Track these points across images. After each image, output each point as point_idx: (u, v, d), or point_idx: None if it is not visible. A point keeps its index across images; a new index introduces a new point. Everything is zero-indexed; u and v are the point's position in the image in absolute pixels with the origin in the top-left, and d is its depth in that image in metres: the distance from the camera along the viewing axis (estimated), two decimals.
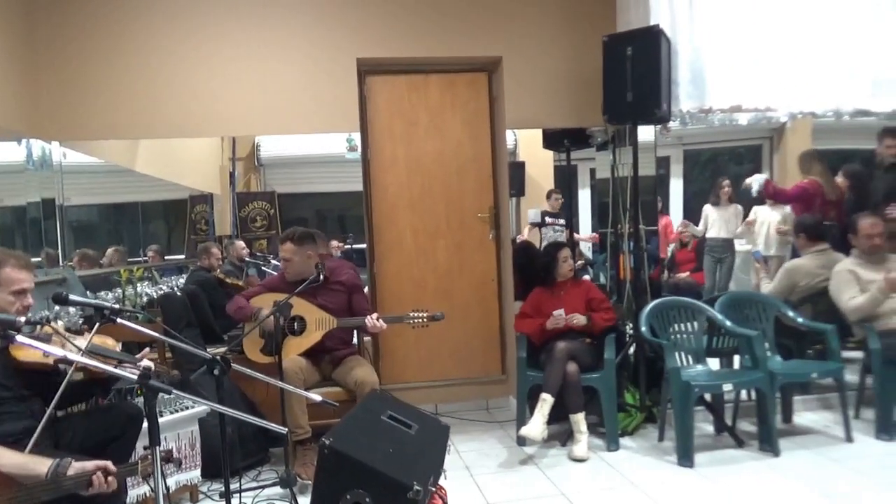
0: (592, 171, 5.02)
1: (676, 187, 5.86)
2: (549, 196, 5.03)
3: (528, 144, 4.88)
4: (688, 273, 5.68)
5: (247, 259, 4.48)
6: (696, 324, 3.90)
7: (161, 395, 1.93)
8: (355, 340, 3.87)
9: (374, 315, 3.52)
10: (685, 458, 3.40)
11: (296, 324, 3.55)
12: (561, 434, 3.78)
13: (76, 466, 2.01)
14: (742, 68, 4.01)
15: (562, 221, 4.98)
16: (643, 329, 3.78)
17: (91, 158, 4.18)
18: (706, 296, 5.27)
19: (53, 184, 3.92)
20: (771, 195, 5.00)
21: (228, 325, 3.97)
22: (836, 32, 4.07)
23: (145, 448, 1.97)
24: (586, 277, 4.81)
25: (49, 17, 3.86)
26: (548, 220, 4.97)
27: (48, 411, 2.20)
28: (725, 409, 3.88)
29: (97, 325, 2.28)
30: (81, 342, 2.36)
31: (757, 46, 4.02)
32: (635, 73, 3.73)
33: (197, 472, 3.08)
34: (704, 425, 3.90)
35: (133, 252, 4.46)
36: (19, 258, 2.44)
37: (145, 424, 2.38)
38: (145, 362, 2.47)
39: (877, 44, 4.11)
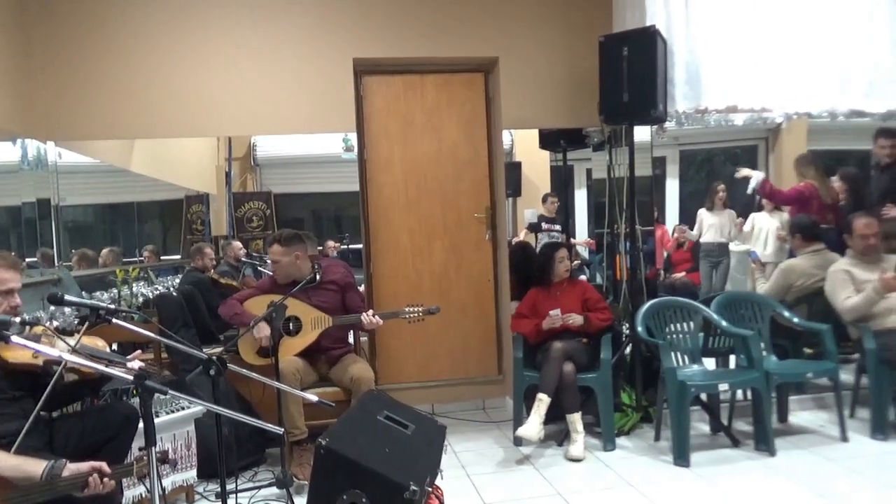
0: (589, 172, 5.03)
1: (672, 187, 5.89)
2: (544, 200, 5.03)
3: (524, 145, 4.89)
4: (684, 273, 5.70)
5: (243, 259, 4.47)
6: (692, 324, 3.91)
7: (157, 395, 1.93)
8: (351, 340, 3.87)
9: (370, 312, 3.52)
10: (681, 457, 3.41)
11: (291, 324, 3.54)
12: (557, 434, 3.79)
13: (71, 468, 2.00)
14: (738, 69, 4.02)
15: (558, 227, 4.98)
16: (639, 329, 3.79)
17: (86, 158, 4.17)
18: (702, 296, 5.30)
19: (49, 184, 3.91)
20: (767, 194, 5.02)
21: (224, 326, 3.97)
22: (831, 34, 4.08)
23: (141, 449, 1.96)
24: (583, 278, 4.82)
25: (45, 16, 3.85)
26: (544, 225, 4.97)
27: (35, 411, 2.19)
28: (721, 409, 3.89)
29: (86, 324, 2.28)
30: (72, 342, 2.35)
31: (752, 47, 4.03)
32: (631, 73, 3.73)
33: (193, 473, 3.07)
34: (700, 425, 3.91)
35: (129, 252, 4.45)
36: (6, 258, 2.43)
37: (140, 425, 2.39)
38: (136, 363, 2.47)
39: (871, 45, 4.12)
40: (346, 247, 4.61)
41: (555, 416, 3.64)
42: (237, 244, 4.46)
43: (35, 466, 1.98)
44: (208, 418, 3.11)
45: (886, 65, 4.13)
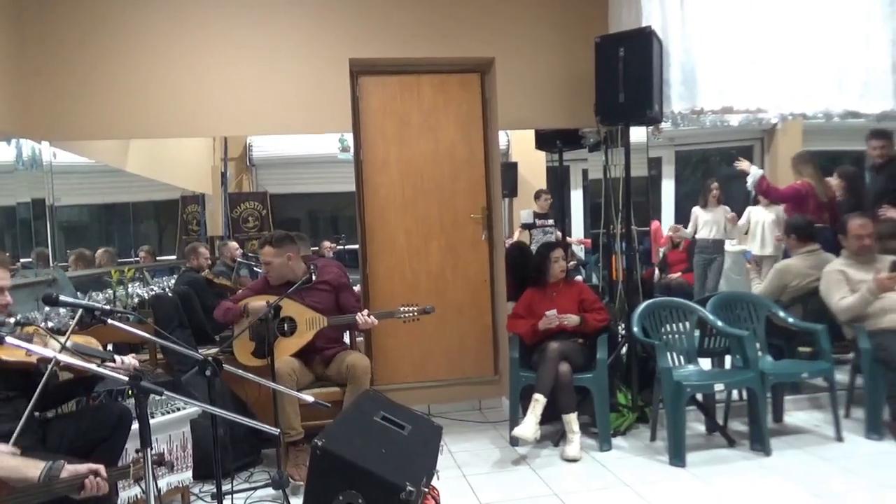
0: (585, 172, 5.03)
1: (668, 188, 5.90)
2: (537, 196, 5.03)
3: (520, 145, 4.88)
4: (679, 273, 5.71)
5: (239, 260, 4.46)
6: (687, 324, 3.91)
7: (153, 396, 1.92)
8: (347, 339, 3.86)
9: (365, 312, 3.52)
10: (677, 457, 3.41)
11: (286, 325, 3.54)
12: (553, 434, 3.79)
13: (69, 469, 2.00)
14: (733, 70, 4.03)
15: (551, 222, 4.98)
16: (635, 329, 3.79)
17: (81, 158, 4.16)
18: (696, 296, 5.31)
19: (43, 184, 3.90)
20: (763, 191, 5.04)
21: (220, 326, 3.96)
22: (826, 35, 4.10)
23: (137, 451, 1.96)
24: (578, 278, 4.82)
25: (40, 16, 3.84)
26: (537, 222, 4.98)
27: (27, 410, 2.19)
28: (717, 409, 3.90)
29: (75, 320, 2.27)
30: (64, 341, 2.35)
31: (748, 48, 4.04)
32: (627, 74, 3.73)
33: (188, 474, 3.06)
34: (696, 425, 3.92)
35: (124, 253, 4.44)
36: None
37: (135, 425, 2.38)
38: (132, 361, 2.46)
39: (866, 46, 4.14)
40: (342, 247, 4.60)
41: (551, 416, 3.64)
42: (233, 244, 4.45)
43: (32, 468, 1.98)
44: (204, 419, 3.10)
45: (881, 66, 4.15)
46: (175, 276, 4.42)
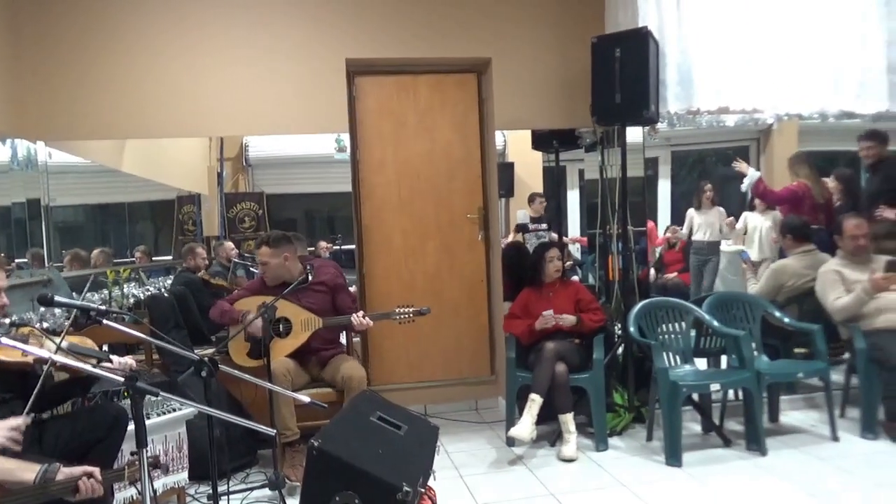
0: (581, 172, 5.04)
1: (664, 188, 5.92)
2: (531, 200, 5.03)
3: (517, 145, 4.89)
4: (675, 274, 5.72)
5: (235, 260, 4.46)
6: (683, 324, 3.92)
7: (149, 396, 1.92)
8: (343, 340, 3.86)
9: (360, 313, 3.52)
10: (673, 457, 3.42)
11: (281, 325, 3.53)
12: (550, 434, 3.79)
13: (64, 472, 1.99)
14: (729, 70, 4.04)
15: (544, 226, 4.99)
16: (631, 329, 3.80)
17: (77, 158, 4.15)
18: (692, 296, 5.32)
19: (39, 184, 3.89)
20: (759, 194, 5.05)
21: (216, 327, 3.95)
22: (822, 35, 4.11)
23: (133, 454, 1.95)
24: (575, 278, 4.82)
25: (36, 16, 3.82)
26: (531, 226, 4.98)
27: (25, 411, 2.18)
28: (713, 409, 3.90)
29: (70, 321, 2.26)
30: (63, 343, 2.34)
31: (744, 49, 4.05)
32: (624, 74, 3.74)
33: (184, 475, 3.06)
34: (692, 425, 3.92)
35: (120, 253, 4.43)
36: None
37: (131, 426, 2.38)
38: (129, 361, 2.46)
39: (862, 47, 4.15)
40: (338, 247, 4.60)
41: (547, 416, 3.64)
42: (229, 245, 4.45)
43: (28, 471, 1.97)
44: (200, 420, 3.10)
45: (876, 66, 4.16)
46: (171, 277, 4.42)
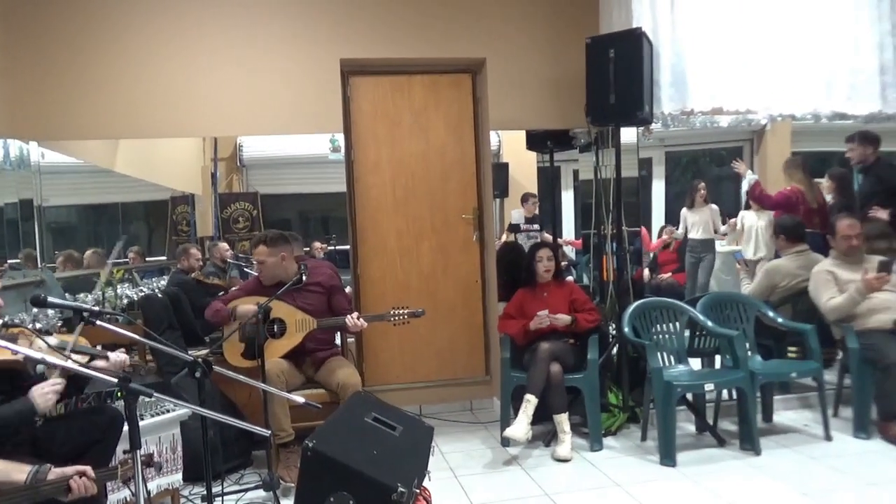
0: (576, 173, 5.05)
1: (658, 188, 5.94)
2: (524, 200, 5.03)
3: (511, 146, 4.89)
4: (669, 274, 5.74)
5: (229, 261, 4.45)
6: (678, 324, 3.93)
7: (142, 398, 1.91)
8: (338, 341, 3.86)
9: (355, 314, 3.51)
10: (667, 457, 3.43)
11: (276, 326, 3.52)
12: (545, 434, 3.80)
13: (56, 472, 1.98)
14: (723, 71, 4.05)
15: (536, 227, 5.00)
16: (626, 329, 3.81)
17: (70, 158, 4.13)
18: (688, 294, 5.34)
19: (31, 184, 3.87)
20: (756, 198, 5.08)
21: (210, 327, 3.94)
22: (814, 37, 4.13)
23: (125, 452, 1.95)
24: (570, 278, 4.83)
25: (29, 15, 3.80)
26: (522, 226, 4.99)
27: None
28: (707, 409, 3.91)
29: (80, 325, 2.25)
30: (52, 341, 2.33)
31: (737, 50, 4.06)
32: (618, 75, 3.75)
33: (178, 476, 3.05)
34: (686, 425, 3.94)
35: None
36: None
37: (125, 427, 2.36)
38: (124, 357, 2.45)
39: (854, 49, 4.17)
40: (332, 248, 4.59)
41: (542, 416, 3.65)
42: (223, 245, 4.44)
43: (19, 472, 1.96)
44: (194, 421, 3.09)
45: (868, 68, 4.19)
46: (165, 277, 4.40)
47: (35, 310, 3.36)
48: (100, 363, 2.38)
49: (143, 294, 4.16)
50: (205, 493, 2.40)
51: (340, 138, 4.32)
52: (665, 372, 3.59)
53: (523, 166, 4.95)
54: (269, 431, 2.55)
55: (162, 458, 2.94)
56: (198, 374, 2.28)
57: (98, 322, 2.22)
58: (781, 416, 4.07)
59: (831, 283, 3.85)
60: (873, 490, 3.02)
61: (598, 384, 3.74)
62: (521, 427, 3.49)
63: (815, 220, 4.73)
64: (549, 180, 4.98)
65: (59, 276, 3.99)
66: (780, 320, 3.96)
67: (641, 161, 4.63)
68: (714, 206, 5.73)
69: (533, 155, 4.89)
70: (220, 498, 2.91)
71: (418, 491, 2.58)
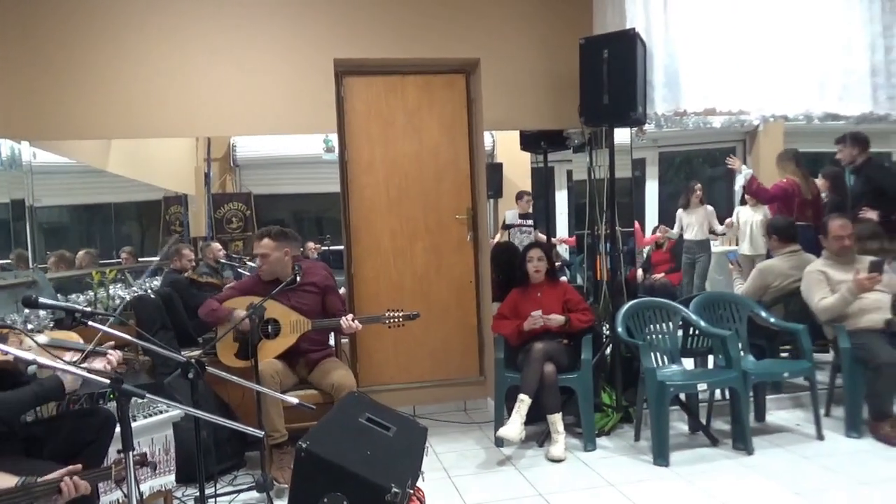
0: (569, 173, 5.05)
1: (652, 189, 5.95)
2: (519, 197, 5.04)
3: (505, 146, 4.89)
4: (663, 274, 5.75)
5: (222, 261, 4.43)
6: (671, 324, 3.94)
7: (135, 398, 1.90)
8: (332, 342, 3.85)
9: (350, 316, 3.50)
10: (661, 457, 3.44)
11: (270, 327, 3.52)
12: (538, 434, 3.80)
13: (46, 478, 1.97)
14: (716, 72, 4.07)
15: (530, 223, 5.00)
16: (619, 330, 3.81)
17: (62, 158, 4.11)
18: (685, 293, 5.35)
19: (23, 184, 3.84)
20: (753, 192, 5.10)
21: (203, 328, 3.93)
22: (807, 39, 4.15)
23: (118, 452, 1.94)
24: (563, 279, 4.83)
25: (21, 15, 3.78)
26: (516, 222, 4.99)
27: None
28: (700, 409, 3.93)
29: (53, 323, 2.24)
30: (42, 339, 2.32)
31: (730, 51, 4.08)
32: (611, 75, 3.75)
33: (171, 477, 3.04)
34: (679, 424, 3.95)
35: (106, 254, 4.38)
36: None
37: (117, 428, 2.35)
38: (117, 354, 2.44)
39: (846, 50, 4.20)
40: (326, 248, 4.58)
41: (536, 416, 3.65)
42: (216, 245, 4.42)
43: (8, 481, 1.94)
44: (187, 422, 3.08)
45: (860, 69, 4.22)
46: (157, 278, 4.38)
47: (27, 310, 3.34)
48: (96, 363, 2.36)
49: (135, 294, 4.14)
50: (198, 494, 2.39)
51: (334, 138, 4.31)
52: (658, 372, 3.60)
53: (517, 167, 4.95)
54: (263, 432, 2.54)
55: (155, 459, 2.93)
56: (191, 375, 2.28)
57: (90, 322, 2.21)
58: (774, 416, 4.09)
59: (823, 283, 3.87)
60: (865, 489, 3.04)
61: (592, 384, 3.75)
62: (514, 427, 3.50)
63: (809, 213, 4.76)
64: (542, 180, 4.99)
65: (50, 276, 3.97)
66: (772, 320, 3.97)
67: (635, 161, 4.64)
68: (710, 207, 5.75)
69: (527, 155, 4.90)
70: (214, 499, 2.90)
71: (412, 491, 2.58)
